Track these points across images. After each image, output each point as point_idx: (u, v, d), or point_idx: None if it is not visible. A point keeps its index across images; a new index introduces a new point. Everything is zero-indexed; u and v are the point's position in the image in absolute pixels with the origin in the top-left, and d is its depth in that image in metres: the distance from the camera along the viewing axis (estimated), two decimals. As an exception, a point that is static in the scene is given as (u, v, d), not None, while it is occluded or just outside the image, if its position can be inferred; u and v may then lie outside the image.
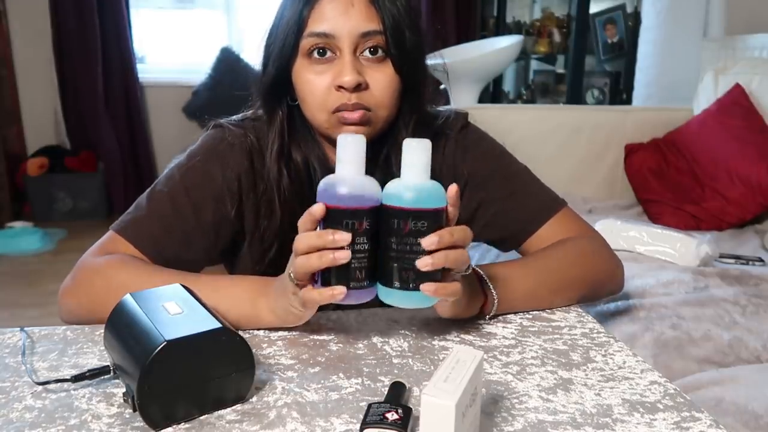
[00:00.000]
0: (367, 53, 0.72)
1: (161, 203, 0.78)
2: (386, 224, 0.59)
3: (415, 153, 0.59)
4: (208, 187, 0.78)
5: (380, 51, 0.72)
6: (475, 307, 0.71)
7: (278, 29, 0.75)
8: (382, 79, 0.73)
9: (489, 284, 0.71)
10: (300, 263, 0.58)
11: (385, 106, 0.74)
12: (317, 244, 0.57)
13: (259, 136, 0.81)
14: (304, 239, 0.58)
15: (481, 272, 0.72)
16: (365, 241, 0.58)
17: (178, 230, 0.77)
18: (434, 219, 0.58)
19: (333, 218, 0.58)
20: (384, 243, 0.59)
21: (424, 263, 0.57)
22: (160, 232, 0.76)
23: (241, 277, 0.73)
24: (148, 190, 0.80)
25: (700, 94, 2.25)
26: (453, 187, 0.60)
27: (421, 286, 0.58)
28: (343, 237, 0.56)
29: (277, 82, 0.77)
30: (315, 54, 0.72)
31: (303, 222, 0.59)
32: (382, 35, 0.72)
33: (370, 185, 0.59)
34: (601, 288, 0.83)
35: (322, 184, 0.59)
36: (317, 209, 0.57)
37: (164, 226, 0.77)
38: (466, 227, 0.60)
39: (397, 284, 0.59)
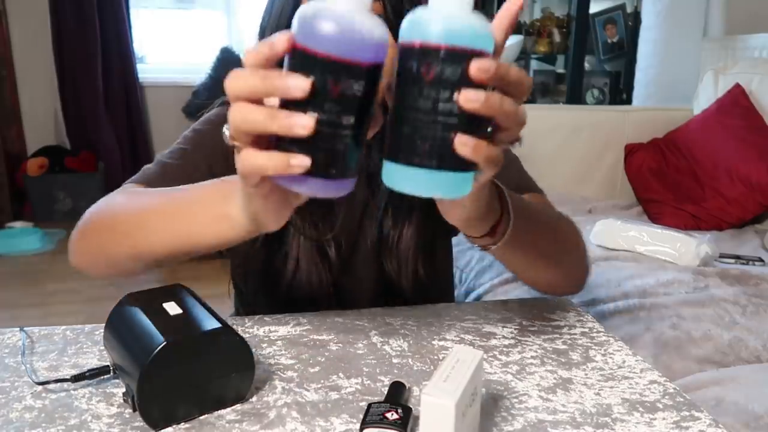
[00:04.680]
0: None
1: (170, 154, 0.77)
2: (401, 70, 0.42)
3: None
4: (219, 146, 0.73)
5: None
6: (488, 222, 0.58)
7: (273, 5, 0.74)
8: None
9: (508, 199, 0.59)
10: (237, 114, 0.41)
11: (389, 75, 0.71)
12: (258, 88, 0.40)
13: None
14: (239, 76, 0.41)
15: (501, 185, 0.60)
16: (346, 112, 0.41)
17: (183, 176, 0.73)
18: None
19: (302, 65, 0.40)
20: (396, 98, 0.42)
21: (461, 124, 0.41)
22: (168, 174, 0.75)
23: (220, 179, 0.60)
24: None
25: (700, 94, 2.26)
26: (514, 2, 0.44)
27: (457, 140, 0.41)
28: (299, 83, 0.39)
29: None
30: None
31: (252, 54, 0.41)
32: (380, 1, 0.67)
33: (372, 29, 0.40)
34: (571, 275, 0.75)
35: (300, 11, 0.40)
36: (280, 41, 0.40)
37: (169, 171, 0.75)
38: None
39: (411, 159, 0.42)
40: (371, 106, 0.43)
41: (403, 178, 0.43)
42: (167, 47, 3.68)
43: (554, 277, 0.73)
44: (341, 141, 0.41)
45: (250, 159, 0.42)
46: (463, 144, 0.41)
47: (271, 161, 0.41)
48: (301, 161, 0.41)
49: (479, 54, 0.41)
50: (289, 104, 0.40)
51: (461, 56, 0.40)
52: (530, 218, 0.64)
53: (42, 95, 3.40)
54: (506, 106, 0.42)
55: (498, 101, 0.41)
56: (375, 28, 0.40)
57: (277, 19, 0.73)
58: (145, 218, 0.59)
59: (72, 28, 3.26)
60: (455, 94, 0.40)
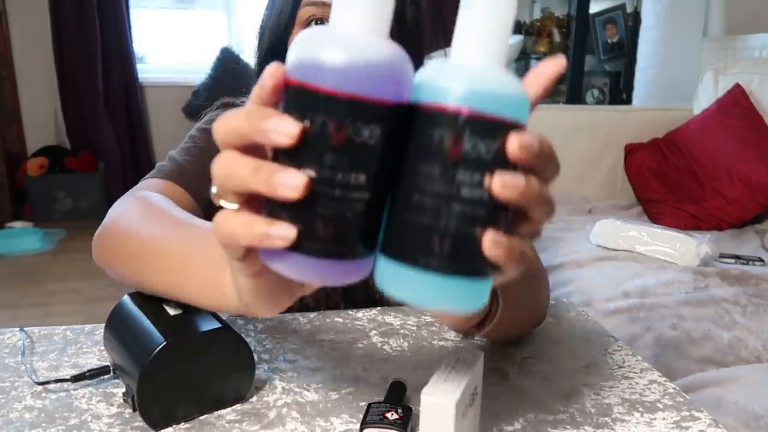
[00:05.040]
0: None
1: (185, 152, 0.75)
2: (415, 140, 0.32)
3: (487, 12, 0.32)
4: None
5: None
6: (482, 313, 0.54)
7: (273, 5, 0.73)
8: None
9: (498, 291, 0.54)
10: (220, 166, 0.33)
11: None
12: (242, 128, 0.32)
13: None
14: (227, 116, 0.33)
15: None
16: (355, 167, 0.31)
17: (201, 175, 0.72)
18: (506, 140, 0.31)
19: (298, 105, 0.31)
20: (404, 176, 0.32)
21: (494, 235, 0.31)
22: (186, 173, 0.73)
23: None
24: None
25: (700, 94, 2.26)
26: (556, 64, 0.34)
27: (488, 239, 0.31)
28: (283, 126, 0.30)
29: (272, 55, 0.73)
30: (312, 24, 0.69)
31: (250, 97, 0.33)
32: None
33: (387, 56, 0.31)
34: (531, 329, 0.70)
35: (296, 38, 0.32)
36: (267, 76, 0.31)
37: (188, 170, 0.73)
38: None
39: (418, 259, 0.32)
40: (392, 164, 0.32)
41: (404, 283, 0.33)
42: (167, 47, 3.68)
43: (520, 336, 0.69)
44: (349, 207, 0.31)
45: (222, 223, 0.33)
46: (497, 244, 0.31)
47: (246, 228, 0.32)
48: (282, 231, 0.31)
49: (516, 125, 0.31)
50: (281, 156, 0.32)
51: (497, 127, 0.31)
52: (514, 298, 0.56)
53: (42, 95, 3.40)
54: (544, 194, 0.33)
55: (538, 188, 0.32)
56: (392, 55, 0.31)
57: (277, 19, 0.72)
58: (149, 253, 0.54)
59: (72, 28, 3.26)
60: (486, 177, 0.31)
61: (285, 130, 0.30)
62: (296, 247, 0.31)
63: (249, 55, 3.43)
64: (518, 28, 3.46)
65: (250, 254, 0.36)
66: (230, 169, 0.33)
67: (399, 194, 0.32)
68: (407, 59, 0.32)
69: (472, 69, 0.31)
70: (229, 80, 3.23)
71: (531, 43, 3.40)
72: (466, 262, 0.32)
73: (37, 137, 3.43)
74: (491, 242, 0.31)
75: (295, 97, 0.31)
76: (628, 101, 3.06)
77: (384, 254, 0.33)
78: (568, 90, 3.06)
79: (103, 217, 0.64)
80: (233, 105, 0.81)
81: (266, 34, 0.75)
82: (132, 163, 3.47)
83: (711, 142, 2.03)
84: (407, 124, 0.32)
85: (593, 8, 3.08)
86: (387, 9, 0.32)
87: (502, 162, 0.31)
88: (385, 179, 0.32)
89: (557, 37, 3.36)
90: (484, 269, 0.33)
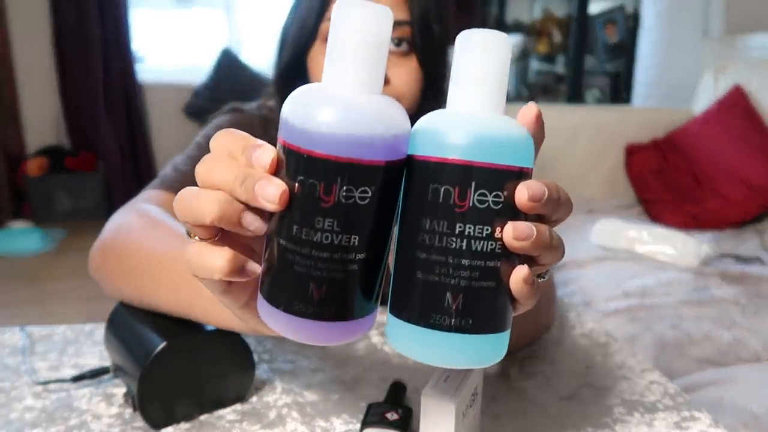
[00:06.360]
0: (391, 45, 0.66)
1: (189, 161, 0.74)
2: (419, 195, 0.31)
3: (484, 57, 0.31)
4: None
5: (404, 44, 0.67)
6: None
7: (297, 11, 0.72)
8: (405, 75, 0.68)
9: None
10: (181, 198, 0.33)
11: (407, 101, 0.69)
12: (235, 191, 0.31)
13: (277, 120, 0.78)
14: (217, 164, 0.33)
15: None
16: (348, 228, 0.30)
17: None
18: (513, 189, 0.30)
19: (294, 167, 0.30)
20: (408, 232, 0.31)
21: (520, 275, 0.31)
22: (190, 177, 0.72)
23: None
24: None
25: (700, 94, 2.26)
26: (530, 108, 0.33)
27: (516, 273, 0.31)
28: (269, 192, 0.29)
29: (292, 66, 0.72)
30: None
31: (233, 141, 0.33)
32: (409, 26, 0.67)
33: (382, 117, 0.30)
34: (533, 336, 0.68)
35: (292, 96, 0.32)
36: (263, 158, 0.31)
37: (191, 183, 0.72)
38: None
39: (433, 321, 0.31)
40: (389, 220, 0.31)
41: (423, 345, 0.31)
42: (167, 47, 3.68)
43: (521, 347, 0.68)
44: (341, 269, 0.30)
45: (191, 251, 0.33)
46: (527, 281, 0.31)
47: (209, 255, 0.32)
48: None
49: (524, 172, 0.31)
50: (274, 218, 0.31)
51: (505, 177, 0.30)
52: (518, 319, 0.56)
53: (42, 95, 3.40)
54: (554, 241, 0.33)
55: (548, 236, 0.32)
56: (385, 115, 0.30)
57: (299, 31, 0.71)
58: (153, 269, 0.53)
59: (72, 28, 3.26)
60: (497, 229, 0.30)
61: (269, 194, 0.30)
62: (292, 310, 0.31)
63: (249, 54, 3.43)
64: (518, 28, 3.46)
65: (230, 288, 0.36)
66: (191, 202, 0.32)
67: (404, 251, 0.31)
68: (402, 114, 0.31)
69: (475, 120, 0.30)
70: (229, 80, 3.23)
71: (531, 43, 3.40)
72: (482, 316, 0.31)
73: (37, 137, 3.43)
74: (520, 279, 0.31)
75: (289, 160, 0.30)
76: (628, 101, 3.06)
77: (395, 315, 0.32)
78: (568, 90, 3.06)
79: (104, 216, 0.64)
80: (241, 111, 0.80)
81: (287, 44, 0.73)
82: (132, 163, 3.47)
83: (711, 142, 2.03)
84: (404, 179, 0.31)
85: (593, 8, 3.08)
86: (380, 66, 0.31)
87: (511, 211, 0.30)
88: (382, 237, 0.31)
89: (557, 37, 3.36)
90: (501, 321, 0.32)
